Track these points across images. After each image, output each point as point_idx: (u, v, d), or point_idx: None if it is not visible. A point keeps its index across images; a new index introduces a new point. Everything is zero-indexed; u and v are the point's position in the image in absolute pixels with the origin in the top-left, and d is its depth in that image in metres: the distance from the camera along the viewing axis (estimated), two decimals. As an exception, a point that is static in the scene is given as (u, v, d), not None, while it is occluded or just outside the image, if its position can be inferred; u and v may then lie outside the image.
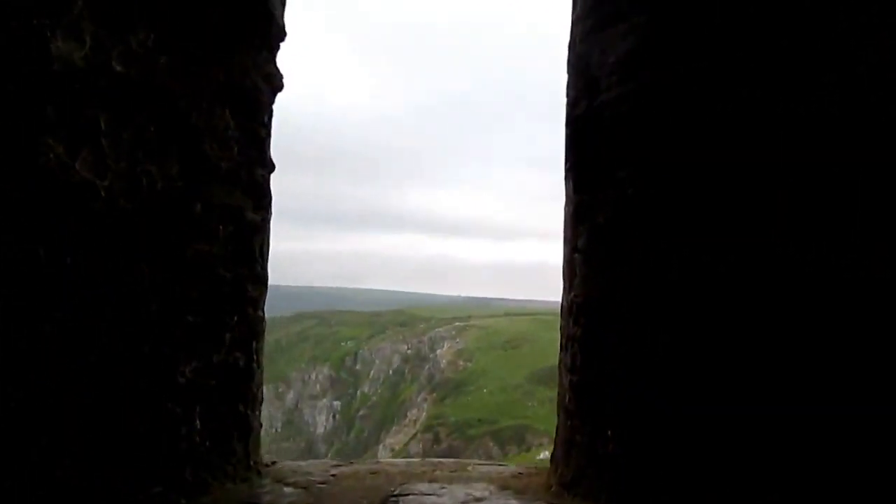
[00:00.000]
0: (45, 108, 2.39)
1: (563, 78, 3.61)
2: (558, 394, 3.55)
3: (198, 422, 3.04)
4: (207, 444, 3.09)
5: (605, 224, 3.18)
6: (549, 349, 75.20)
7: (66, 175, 2.44)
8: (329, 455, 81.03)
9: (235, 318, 3.24)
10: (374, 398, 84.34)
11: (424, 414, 70.97)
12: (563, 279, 3.51)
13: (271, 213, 3.54)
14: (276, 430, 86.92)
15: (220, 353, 3.15)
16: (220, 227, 3.14)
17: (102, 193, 2.58)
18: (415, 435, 66.92)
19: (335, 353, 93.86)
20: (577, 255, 3.33)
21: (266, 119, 3.48)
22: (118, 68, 2.64)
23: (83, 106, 2.52)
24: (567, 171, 3.48)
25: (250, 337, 3.36)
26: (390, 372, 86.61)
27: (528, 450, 47.41)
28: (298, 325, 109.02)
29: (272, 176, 3.56)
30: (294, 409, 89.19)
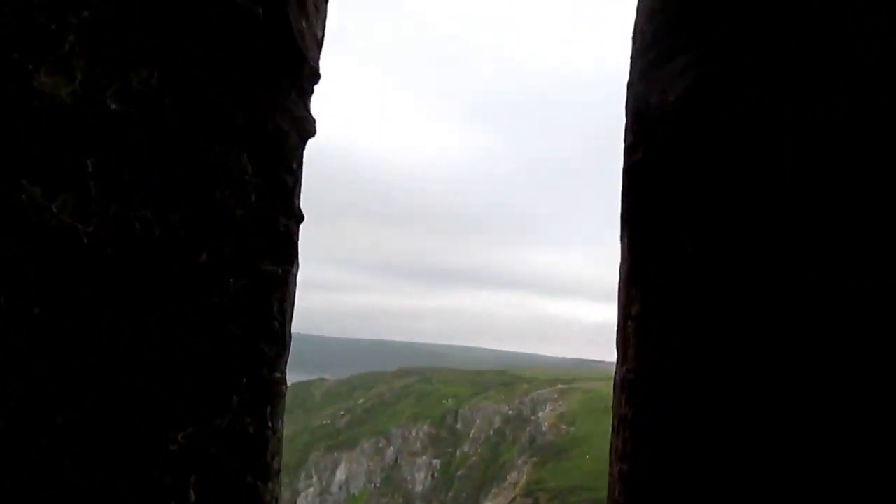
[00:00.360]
0: (22, 146, 2.22)
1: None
2: (608, 484, 3.08)
3: (192, 494, 2.74)
4: (204, 519, 2.79)
5: (661, 286, 2.74)
6: (656, 417, 72.38)
7: (40, 218, 2.25)
8: (427, 514, 79.90)
9: (245, 379, 2.96)
10: (474, 458, 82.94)
11: (525, 478, 69.10)
12: (617, 351, 3.06)
13: (297, 267, 3.28)
14: (375, 486, 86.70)
15: (224, 418, 2.87)
16: (231, 280, 2.89)
17: (85, 239, 2.37)
18: (514, 499, 65.12)
19: (436, 411, 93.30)
20: (630, 322, 2.89)
21: (294, 166, 3.24)
22: (113, 106, 2.46)
23: (68, 145, 2.33)
24: (622, 225, 3.07)
25: (263, 401, 3.07)
26: (491, 432, 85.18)
27: (631, 523, 44.97)
28: (401, 380, 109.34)
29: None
30: (393, 465, 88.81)
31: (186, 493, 2.72)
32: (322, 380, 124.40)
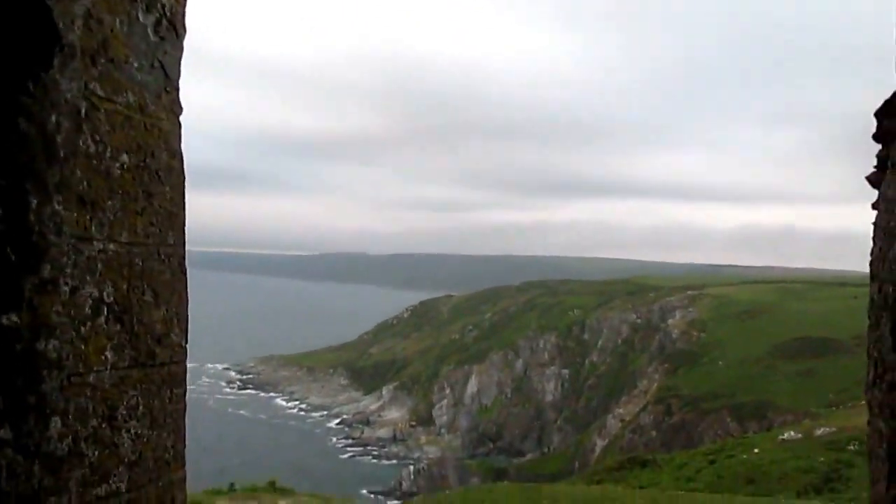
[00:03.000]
0: None
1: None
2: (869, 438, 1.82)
3: None
4: None
5: None
6: (792, 320, 67.90)
7: None
8: (558, 423, 79.97)
9: None
10: (603, 368, 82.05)
11: (655, 385, 67.63)
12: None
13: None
14: (506, 396, 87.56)
15: None
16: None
17: None
18: (645, 406, 63.96)
19: (562, 322, 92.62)
20: None
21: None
22: None
23: None
24: None
25: None
26: (619, 342, 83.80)
27: (770, 428, 42.84)
28: (525, 294, 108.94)
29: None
30: (523, 377, 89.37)
31: None
32: (449, 296, 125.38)
